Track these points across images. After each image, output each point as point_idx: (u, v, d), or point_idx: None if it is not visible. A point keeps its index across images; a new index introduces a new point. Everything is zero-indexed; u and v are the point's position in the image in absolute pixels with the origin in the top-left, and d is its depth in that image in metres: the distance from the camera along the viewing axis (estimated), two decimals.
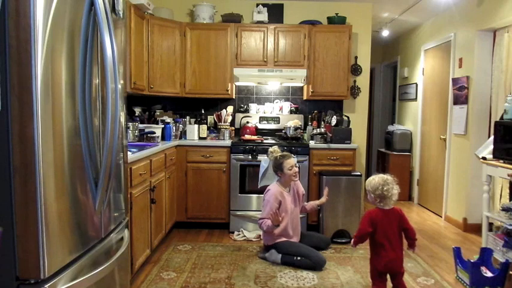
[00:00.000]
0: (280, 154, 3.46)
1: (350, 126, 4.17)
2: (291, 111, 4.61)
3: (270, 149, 3.60)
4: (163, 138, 3.96)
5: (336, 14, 4.39)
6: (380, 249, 2.41)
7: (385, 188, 2.40)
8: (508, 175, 2.94)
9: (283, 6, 4.56)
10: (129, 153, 2.61)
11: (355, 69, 4.65)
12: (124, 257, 1.85)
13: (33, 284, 1.28)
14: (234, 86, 4.47)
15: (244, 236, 3.88)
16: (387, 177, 2.47)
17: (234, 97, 4.57)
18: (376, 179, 2.46)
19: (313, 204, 3.60)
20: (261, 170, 3.80)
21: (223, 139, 4.26)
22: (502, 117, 3.17)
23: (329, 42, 4.26)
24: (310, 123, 4.50)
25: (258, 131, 4.45)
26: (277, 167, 3.41)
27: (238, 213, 4.01)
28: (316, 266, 3.12)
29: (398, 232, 2.44)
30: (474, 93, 4.13)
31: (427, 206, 5.25)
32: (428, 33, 5.29)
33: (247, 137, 4.23)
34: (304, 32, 4.25)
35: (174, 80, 4.20)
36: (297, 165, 3.48)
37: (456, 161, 4.48)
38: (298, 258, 3.17)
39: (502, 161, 3.07)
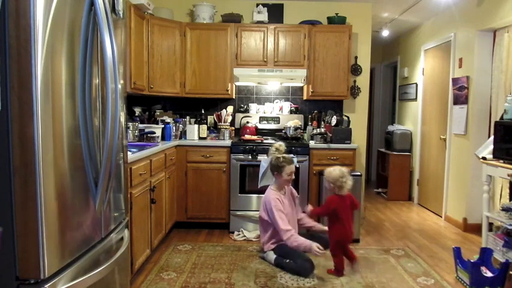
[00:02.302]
0: (283, 156, 3.36)
1: (350, 126, 4.17)
2: (291, 111, 4.61)
3: (276, 145, 3.47)
4: (163, 138, 3.96)
5: (336, 14, 4.39)
6: (339, 225, 3.01)
7: (343, 180, 2.98)
8: (508, 175, 2.94)
9: (283, 6, 4.56)
10: (129, 153, 2.61)
11: (355, 69, 4.65)
12: (124, 257, 1.85)
13: (33, 284, 1.28)
14: (234, 86, 4.47)
15: (244, 236, 3.88)
16: (344, 170, 3.04)
17: (234, 97, 4.57)
18: (336, 171, 3.01)
19: (311, 224, 3.48)
20: (261, 170, 3.79)
21: (223, 139, 4.26)
22: (502, 117, 3.17)
23: (329, 42, 4.26)
24: (310, 123, 4.50)
25: (258, 131, 4.45)
26: (277, 168, 3.32)
27: (238, 213, 4.01)
28: (301, 271, 3.01)
29: (351, 211, 3.09)
30: (474, 93, 4.13)
31: (427, 206, 5.25)
32: (428, 33, 5.29)
33: (247, 137, 4.23)
34: (304, 32, 4.25)
35: (174, 80, 4.20)
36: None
37: (456, 161, 4.48)
38: (287, 260, 3.12)
39: (502, 161, 3.07)
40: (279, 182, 3.37)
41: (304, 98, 4.57)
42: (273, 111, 4.63)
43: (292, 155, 3.84)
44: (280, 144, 3.50)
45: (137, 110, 4.03)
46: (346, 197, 3.03)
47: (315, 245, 2.98)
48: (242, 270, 3.11)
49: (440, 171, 4.85)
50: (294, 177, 3.40)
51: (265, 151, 3.93)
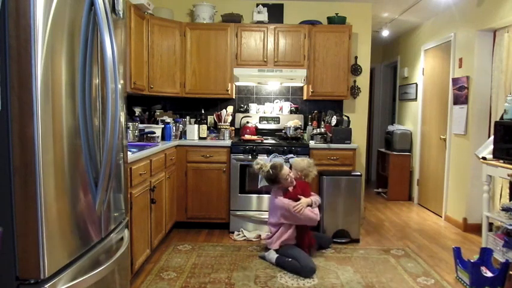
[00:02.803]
0: (271, 167, 3.28)
1: (350, 126, 4.17)
2: (291, 111, 4.61)
3: (256, 166, 3.36)
4: (163, 138, 3.96)
5: (336, 14, 4.39)
6: None
7: (310, 169, 3.44)
8: (508, 175, 2.94)
9: (283, 6, 4.56)
10: (129, 153, 2.61)
11: (355, 69, 4.65)
12: (124, 257, 1.85)
13: (33, 284, 1.28)
14: (234, 86, 4.47)
15: (244, 236, 3.88)
16: (311, 161, 3.54)
17: (234, 97, 4.57)
18: (305, 161, 3.49)
19: None
20: None
21: (223, 139, 4.26)
22: (502, 117, 3.17)
23: (329, 42, 4.26)
24: (310, 123, 4.50)
25: (258, 131, 4.45)
26: (274, 180, 3.29)
27: (238, 213, 4.01)
28: (302, 270, 3.01)
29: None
30: (474, 93, 4.13)
31: (427, 206, 5.25)
32: (428, 33, 5.30)
33: (247, 137, 4.23)
34: (304, 32, 4.25)
35: (174, 80, 4.20)
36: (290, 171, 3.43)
37: (456, 161, 4.48)
38: (289, 259, 3.13)
39: (502, 161, 3.07)
40: (282, 188, 3.36)
41: (304, 98, 4.57)
42: (273, 111, 4.64)
43: (291, 155, 3.84)
44: (258, 163, 3.38)
45: (137, 110, 4.03)
46: (308, 184, 3.50)
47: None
48: (242, 270, 3.11)
49: (440, 171, 4.85)
50: (292, 176, 3.39)
51: (265, 151, 3.93)
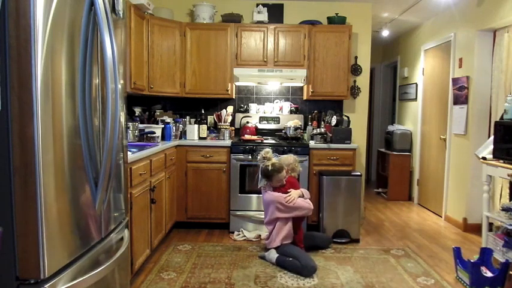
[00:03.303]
0: (272, 164, 3.33)
1: (350, 126, 4.17)
2: (291, 111, 4.61)
3: (263, 154, 3.41)
4: (163, 138, 3.96)
5: (336, 14, 4.39)
6: None
7: (295, 165, 3.59)
8: (508, 175, 2.94)
9: (283, 6, 4.56)
10: (129, 153, 2.61)
11: (355, 69, 4.65)
12: (124, 257, 1.85)
13: (33, 284, 1.28)
14: (234, 86, 4.47)
15: (244, 236, 3.88)
16: (297, 158, 3.67)
17: (234, 97, 4.57)
18: (291, 157, 3.63)
19: None
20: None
21: (223, 139, 4.26)
22: (502, 117, 3.17)
23: (329, 42, 4.26)
24: (310, 123, 4.50)
25: (258, 131, 4.45)
26: (267, 177, 3.37)
27: (238, 213, 4.01)
28: (303, 269, 3.02)
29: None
30: (474, 93, 4.13)
31: (427, 206, 5.25)
32: (428, 33, 5.30)
33: (247, 137, 4.23)
34: (304, 32, 4.25)
35: (174, 80, 4.20)
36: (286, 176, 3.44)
37: (456, 161, 4.48)
38: (289, 259, 3.14)
39: (502, 161, 3.07)
40: (271, 185, 3.41)
41: (304, 98, 4.57)
42: (273, 111, 4.63)
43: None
44: (267, 152, 3.43)
45: (137, 110, 4.03)
46: (296, 179, 3.64)
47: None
48: (242, 270, 3.11)
49: (440, 171, 4.85)
50: (284, 182, 3.41)
51: None
